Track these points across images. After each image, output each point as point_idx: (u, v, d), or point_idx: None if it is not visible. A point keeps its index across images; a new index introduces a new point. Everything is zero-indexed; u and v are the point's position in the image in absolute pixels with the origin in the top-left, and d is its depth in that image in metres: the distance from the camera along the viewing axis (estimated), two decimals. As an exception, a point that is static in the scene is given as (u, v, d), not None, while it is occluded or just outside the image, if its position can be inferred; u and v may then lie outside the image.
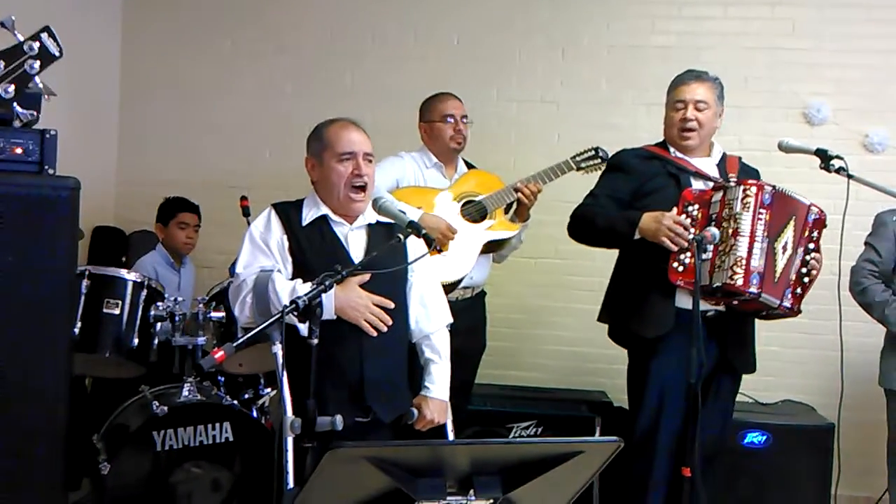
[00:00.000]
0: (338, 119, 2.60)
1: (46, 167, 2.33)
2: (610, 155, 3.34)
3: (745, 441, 3.61)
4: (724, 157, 3.12)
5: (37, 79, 2.22)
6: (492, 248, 3.44)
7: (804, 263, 2.91)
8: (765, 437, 3.62)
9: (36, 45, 2.17)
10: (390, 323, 2.44)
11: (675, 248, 2.84)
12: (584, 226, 3.08)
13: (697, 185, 2.99)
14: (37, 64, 2.17)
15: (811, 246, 2.92)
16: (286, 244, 2.51)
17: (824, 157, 2.83)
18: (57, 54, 2.21)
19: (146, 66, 4.89)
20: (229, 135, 4.80)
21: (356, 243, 2.53)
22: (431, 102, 3.50)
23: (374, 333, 2.44)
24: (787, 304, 2.89)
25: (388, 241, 2.40)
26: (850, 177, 2.79)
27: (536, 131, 4.47)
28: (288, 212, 2.56)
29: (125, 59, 4.93)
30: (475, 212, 3.38)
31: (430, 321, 2.66)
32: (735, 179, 2.95)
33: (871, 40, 4.30)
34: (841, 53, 4.32)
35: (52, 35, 2.20)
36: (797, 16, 4.36)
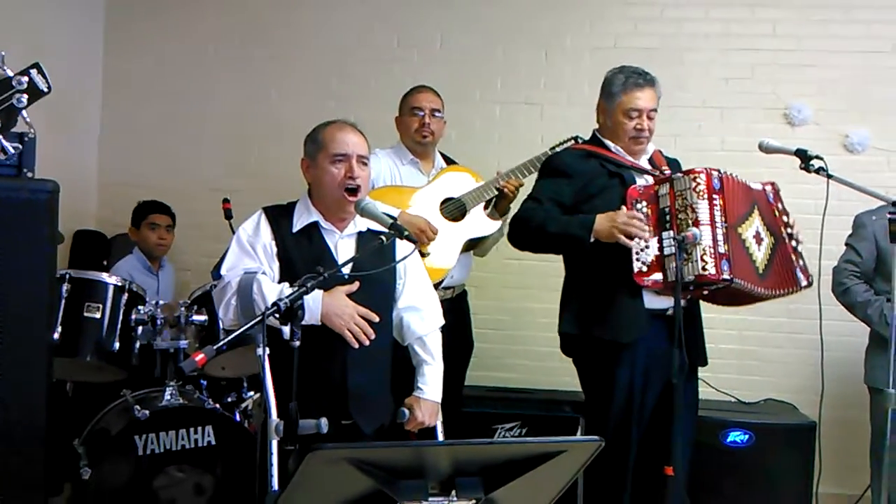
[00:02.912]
0: (335, 121, 2.58)
1: (25, 170, 2.31)
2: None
3: (728, 440, 3.62)
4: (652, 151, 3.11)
5: (24, 113, 2.22)
6: (472, 245, 3.43)
7: (791, 237, 2.93)
8: (747, 437, 3.63)
9: (25, 79, 2.18)
10: (373, 336, 2.43)
11: (632, 244, 2.80)
12: (532, 232, 2.97)
13: (640, 181, 2.95)
14: (24, 98, 2.18)
15: (785, 218, 2.95)
16: (274, 249, 2.49)
17: (804, 158, 2.85)
18: (45, 90, 2.21)
19: (128, 69, 4.86)
20: (212, 137, 4.78)
21: (346, 252, 2.52)
22: (405, 98, 3.50)
23: (356, 345, 2.41)
24: (804, 283, 2.93)
25: (379, 248, 2.35)
26: (829, 177, 2.81)
27: (520, 133, 4.47)
28: (278, 217, 2.54)
29: (107, 61, 4.90)
30: (455, 209, 3.35)
31: (424, 323, 2.65)
32: (669, 173, 2.94)
33: (852, 41, 4.33)
34: (822, 54, 4.35)
35: (41, 71, 2.20)
36: (778, 17, 4.39)
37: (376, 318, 2.44)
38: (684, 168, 3.12)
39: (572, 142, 3.43)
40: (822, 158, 2.84)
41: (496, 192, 3.39)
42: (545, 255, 3.10)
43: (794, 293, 2.97)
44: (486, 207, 3.45)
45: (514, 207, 3.39)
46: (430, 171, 3.46)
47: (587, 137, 3.30)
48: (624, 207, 2.85)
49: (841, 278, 3.42)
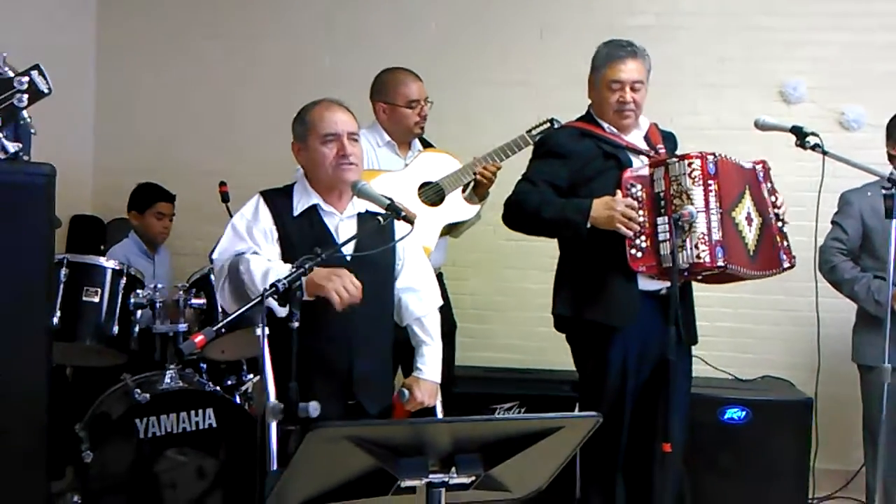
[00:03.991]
0: (320, 100, 2.56)
1: (21, 153, 2.31)
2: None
3: (725, 417, 3.64)
4: (648, 126, 3.08)
5: (24, 113, 2.24)
6: (450, 229, 3.41)
7: (778, 218, 2.92)
8: (744, 413, 3.65)
9: (25, 79, 2.20)
10: (358, 298, 2.32)
11: (630, 235, 2.78)
12: (527, 216, 2.93)
13: (636, 162, 2.93)
14: (25, 98, 2.19)
15: (773, 198, 2.93)
16: (275, 234, 2.48)
17: (800, 135, 2.84)
18: (46, 91, 2.24)
19: (122, 53, 4.85)
20: (207, 121, 4.77)
21: (347, 234, 2.50)
22: (392, 84, 3.37)
23: (339, 307, 2.29)
24: (787, 264, 2.91)
25: (377, 229, 2.34)
26: (825, 153, 2.80)
27: (515, 114, 4.44)
28: (277, 200, 2.53)
29: (101, 46, 4.89)
30: (433, 194, 3.32)
31: (422, 303, 2.66)
32: (664, 151, 2.93)
33: (847, 18, 4.32)
34: (817, 31, 4.34)
35: (42, 73, 2.22)
36: (773, -6, 4.39)
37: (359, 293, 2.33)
38: (680, 146, 3.12)
39: (548, 123, 3.41)
40: (817, 135, 2.83)
41: (474, 176, 3.34)
42: (541, 236, 3.10)
43: (777, 274, 2.95)
44: (463, 191, 3.41)
45: (493, 190, 3.39)
46: (406, 153, 3.42)
47: (564, 118, 3.26)
48: (619, 192, 2.82)
49: (828, 256, 3.44)
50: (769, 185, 2.94)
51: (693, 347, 3.09)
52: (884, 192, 2.79)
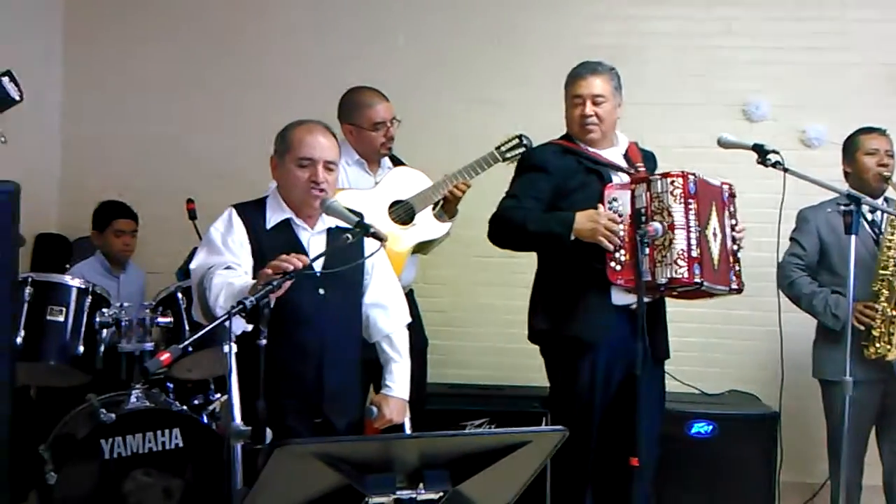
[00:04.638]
0: (306, 121, 2.55)
1: (-14, 169, 2.29)
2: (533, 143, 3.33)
3: (692, 431, 3.68)
4: (627, 145, 3.14)
5: None
6: (420, 247, 3.42)
7: (734, 241, 2.97)
8: (711, 427, 3.69)
9: None
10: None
11: (612, 248, 2.84)
12: (512, 230, 2.98)
13: (616, 178, 2.99)
14: None
15: (733, 222, 2.98)
16: (248, 247, 2.47)
17: (761, 152, 2.90)
18: (17, 98, 2.20)
19: (90, 68, 4.81)
20: (174, 138, 4.74)
21: (317, 249, 2.51)
22: (358, 106, 3.36)
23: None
24: (735, 286, 2.95)
25: (347, 246, 2.32)
26: (786, 170, 2.86)
27: (482, 131, 4.48)
28: (250, 213, 2.52)
29: (69, 62, 4.84)
30: (404, 213, 3.32)
31: (390, 320, 2.66)
32: (643, 170, 2.99)
33: (808, 38, 4.42)
34: (778, 51, 4.43)
35: (13, 79, 2.18)
36: (734, 15, 4.47)
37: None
38: (660, 164, 3.17)
39: (517, 140, 3.44)
40: (778, 153, 2.90)
41: (444, 194, 3.36)
42: (512, 252, 3.13)
43: (725, 294, 2.99)
44: (433, 209, 3.42)
45: (462, 207, 3.42)
46: (376, 171, 3.43)
47: (532, 136, 3.34)
48: (601, 206, 2.88)
49: (786, 272, 3.49)
50: (732, 208, 3.01)
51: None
52: (843, 208, 2.85)
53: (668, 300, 3.10)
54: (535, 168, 3.06)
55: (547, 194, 2.99)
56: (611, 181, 2.97)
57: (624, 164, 3.05)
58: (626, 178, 2.98)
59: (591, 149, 3.04)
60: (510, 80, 4.55)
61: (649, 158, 3.16)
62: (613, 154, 3.08)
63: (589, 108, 2.98)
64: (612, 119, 3.06)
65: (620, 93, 3.08)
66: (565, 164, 3.01)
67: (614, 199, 2.90)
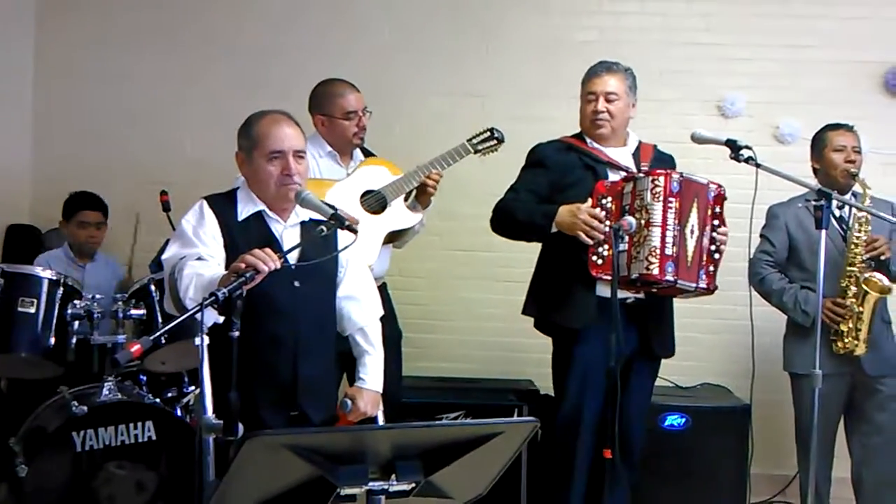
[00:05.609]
0: (268, 112, 2.51)
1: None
2: (505, 136, 3.41)
3: (666, 424, 3.72)
4: (639, 145, 3.21)
5: None
6: (393, 237, 3.42)
7: (712, 241, 3.01)
8: (684, 420, 3.73)
9: None
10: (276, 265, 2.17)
11: (591, 242, 2.91)
12: (505, 220, 3.15)
13: (613, 176, 3.06)
14: None
15: (716, 223, 3.02)
16: (221, 239, 2.44)
17: (734, 148, 2.91)
18: None
19: (62, 60, 4.75)
20: (148, 128, 4.70)
21: (291, 241, 2.48)
22: (329, 96, 3.36)
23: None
24: (703, 284, 2.98)
25: (321, 237, 2.29)
26: (758, 166, 2.88)
27: (465, 125, 4.48)
28: (221, 205, 2.49)
29: (39, 50, 4.78)
30: (375, 202, 3.32)
31: (364, 313, 2.65)
32: (645, 169, 3.04)
33: (785, 35, 4.46)
34: (755, 48, 4.48)
35: None
36: (713, 11, 4.51)
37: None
38: (679, 165, 3.22)
39: (488, 133, 3.46)
40: (750, 148, 2.92)
41: (416, 184, 3.37)
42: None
43: (695, 294, 3.03)
44: (406, 199, 3.43)
45: (436, 198, 3.43)
46: (348, 163, 3.42)
47: (516, 129, 3.42)
48: (590, 200, 2.96)
49: (756, 268, 3.54)
50: (717, 209, 3.04)
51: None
52: (813, 203, 2.88)
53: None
54: (535, 163, 3.21)
55: (544, 188, 3.12)
56: (606, 178, 3.04)
57: (630, 163, 3.12)
58: (621, 176, 3.04)
59: (597, 146, 3.13)
60: (492, 75, 4.56)
61: (665, 160, 3.21)
62: (622, 153, 3.16)
63: (601, 105, 3.09)
64: (624, 117, 3.15)
65: (634, 93, 3.19)
66: (565, 161, 3.13)
67: (604, 196, 2.98)
